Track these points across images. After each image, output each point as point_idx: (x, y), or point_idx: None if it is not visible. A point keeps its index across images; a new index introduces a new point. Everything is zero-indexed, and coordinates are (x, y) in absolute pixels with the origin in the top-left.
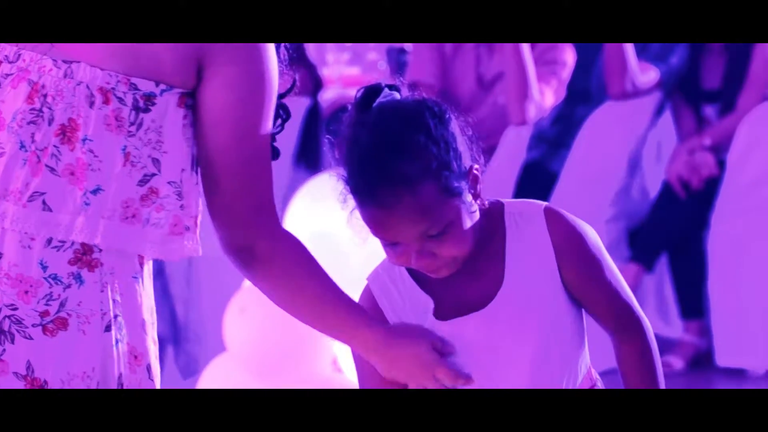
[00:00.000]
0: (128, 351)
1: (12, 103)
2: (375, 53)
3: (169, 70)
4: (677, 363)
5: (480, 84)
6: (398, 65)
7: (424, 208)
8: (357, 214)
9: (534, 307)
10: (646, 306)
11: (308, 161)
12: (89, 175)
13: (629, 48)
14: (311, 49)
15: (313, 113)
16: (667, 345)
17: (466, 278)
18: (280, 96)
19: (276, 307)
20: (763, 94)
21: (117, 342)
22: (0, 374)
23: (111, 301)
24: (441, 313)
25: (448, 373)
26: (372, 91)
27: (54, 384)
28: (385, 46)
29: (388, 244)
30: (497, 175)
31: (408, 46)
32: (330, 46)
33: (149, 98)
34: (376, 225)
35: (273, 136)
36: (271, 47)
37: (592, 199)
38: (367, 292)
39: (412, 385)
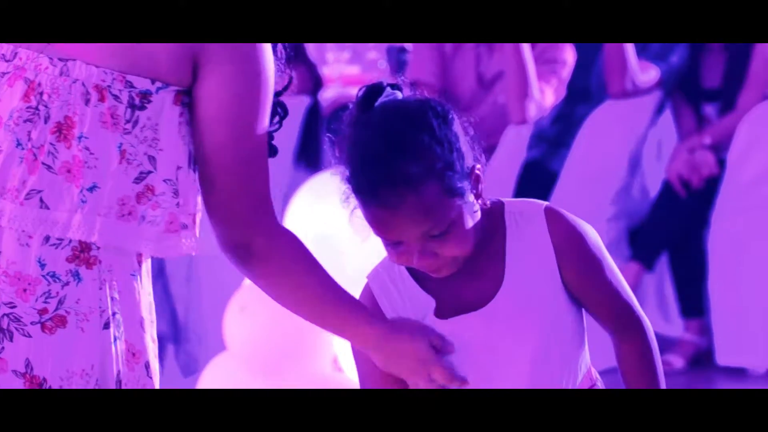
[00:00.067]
0: (126, 349)
1: (8, 102)
2: (375, 52)
3: (164, 68)
4: (678, 362)
5: (480, 83)
6: (398, 64)
7: (428, 209)
8: (358, 213)
9: (534, 306)
10: (646, 305)
11: (308, 160)
12: (86, 172)
13: (629, 47)
14: (311, 47)
15: (313, 112)
16: (667, 344)
17: (466, 277)
18: (278, 94)
19: (276, 306)
20: (763, 93)
21: (115, 339)
22: None
23: (109, 299)
24: (441, 312)
25: (443, 373)
26: (374, 90)
27: (53, 381)
28: (385, 45)
29: (390, 243)
30: (497, 174)
31: (408, 45)
32: (330, 45)
33: (145, 96)
34: (379, 224)
35: (271, 134)
36: (267, 45)
37: (592, 198)
38: (367, 291)
39: (408, 381)
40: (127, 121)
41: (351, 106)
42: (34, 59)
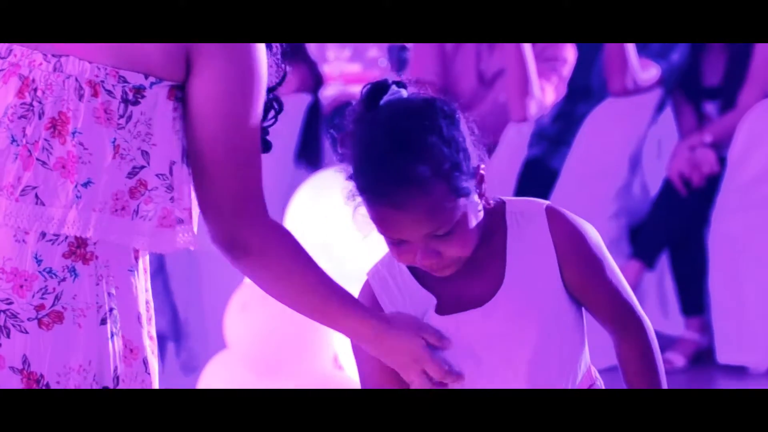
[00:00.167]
0: (123, 345)
1: (3, 98)
2: (376, 50)
3: (157, 63)
4: (678, 360)
5: (481, 81)
6: (399, 62)
7: (435, 209)
8: (361, 210)
9: (534, 305)
10: (647, 303)
11: (309, 158)
12: (80, 167)
13: (630, 45)
14: (312, 46)
15: (314, 110)
16: (668, 342)
17: (466, 275)
18: (272, 89)
19: (277, 304)
20: (763, 91)
21: (112, 335)
22: None
23: (106, 295)
24: (441, 309)
25: (437, 369)
26: (379, 88)
27: (50, 378)
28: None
29: (394, 241)
30: (498, 173)
31: (409, 44)
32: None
33: (138, 91)
34: (385, 223)
35: (266, 129)
36: None
37: (593, 196)
38: (367, 288)
39: (404, 377)
40: (121, 116)
41: (354, 103)
42: (29, 55)
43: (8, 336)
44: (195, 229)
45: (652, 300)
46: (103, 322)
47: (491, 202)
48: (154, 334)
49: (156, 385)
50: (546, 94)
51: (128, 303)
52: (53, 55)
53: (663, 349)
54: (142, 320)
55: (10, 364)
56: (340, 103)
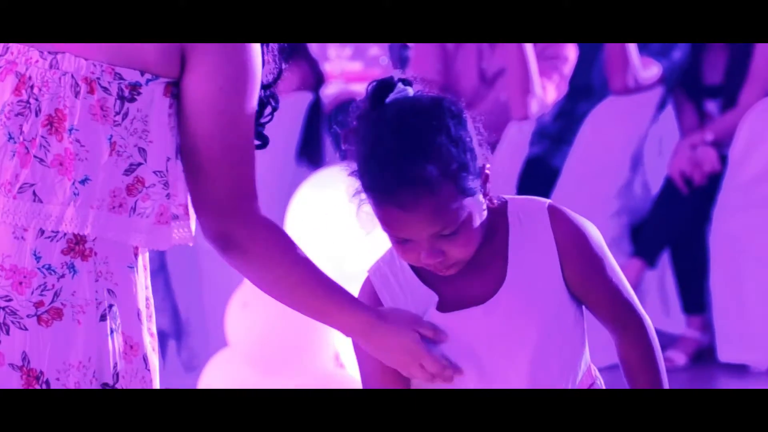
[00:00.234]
0: (123, 341)
1: (0, 96)
2: (377, 49)
3: (153, 60)
4: (679, 358)
5: (482, 79)
6: (400, 61)
7: (442, 209)
8: (365, 207)
9: (536, 303)
10: (648, 301)
11: (310, 156)
12: (77, 165)
13: (631, 44)
14: (313, 44)
15: (315, 108)
16: (669, 340)
17: (468, 273)
18: (267, 86)
19: (278, 302)
20: (764, 89)
21: (112, 332)
22: None
23: (105, 291)
24: (442, 307)
25: (434, 363)
26: (385, 86)
27: (50, 374)
28: None
29: (399, 240)
30: (499, 171)
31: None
32: None
33: (134, 88)
34: (391, 223)
35: (263, 125)
36: None
37: (594, 194)
38: (368, 285)
39: (403, 373)
40: (117, 113)
41: (359, 99)
42: (25, 53)
43: (8, 333)
44: (193, 225)
45: (654, 298)
46: (103, 318)
47: (495, 201)
48: (154, 330)
49: (156, 382)
50: (547, 92)
51: (128, 299)
52: (49, 52)
53: (664, 348)
54: (142, 317)
55: (9, 361)
56: (342, 102)
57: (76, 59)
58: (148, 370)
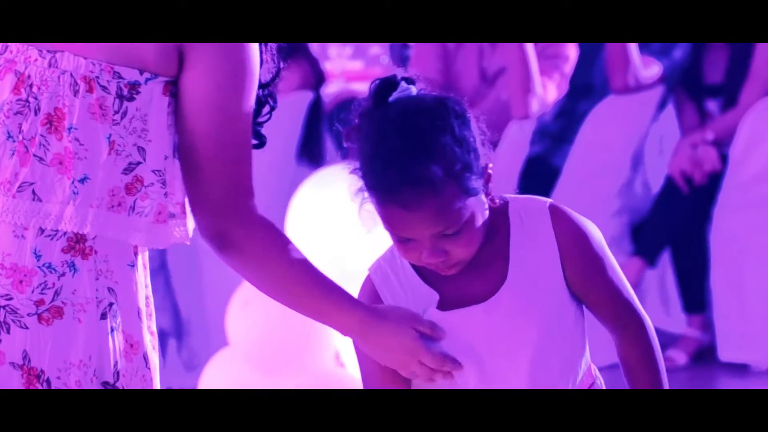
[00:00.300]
0: (124, 339)
1: None
2: (378, 48)
3: (151, 58)
4: (680, 357)
5: (483, 78)
6: (401, 60)
7: (445, 209)
8: (367, 206)
9: (536, 302)
10: (648, 300)
11: (311, 155)
12: (76, 163)
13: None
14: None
15: (316, 107)
16: (669, 339)
17: (469, 272)
18: (265, 85)
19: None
20: (765, 88)
21: (112, 330)
22: None
23: (106, 289)
24: (443, 306)
25: (434, 358)
26: (388, 84)
27: (51, 373)
28: None
29: (401, 239)
30: (500, 170)
31: None
32: None
33: (133, 87)
34: (394, 222)
35: (261, 125)
36: None
37: (594, 193)
38: (369, 284)
39: (403, 373)
40: (116, 112)
41: (362, 98)
42: (24, 51)
43: (8, 332)
44: (189, 224)
45: (654, 297)
46: (103, 316)
47: (496, 200)
48: (154, 329)
49: (157, 381)
50: (548, 91)
51: (128, 298)
52: (48, 51)
53: (665, 347)
54: (142, 315)
55: (10, 360)
56: (342, 101)
57: (75, 58)
58: (149, 368)
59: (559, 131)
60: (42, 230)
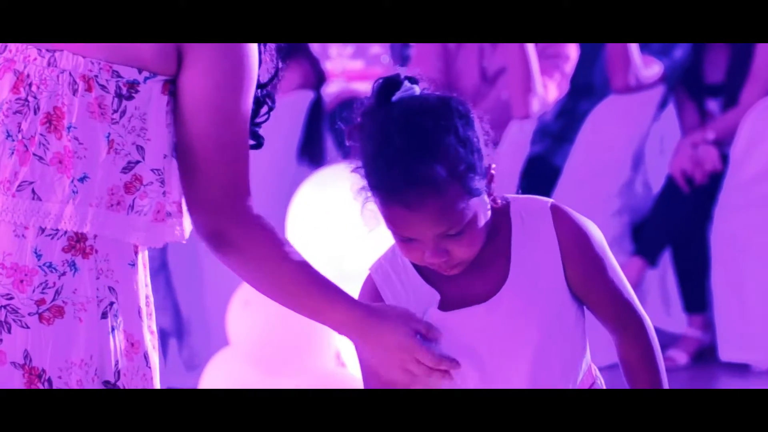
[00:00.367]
0: (125, 338)
1: None
2: (378, 47)
3: (150, 57)
4: (681, 357)
5: (483, 78)
6: (402, 59)
7: (449, 210)
8: (369, 205)
9: (537, 302)
10: (649, 300)
11: (312, 155)
12: (76, 162)
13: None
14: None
15: (317, 107)
16: (670, 339)
17: (470, 272)
18: (263, 85)
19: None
20: (766, 88)
21: (113, 329)
22: None
23: (107, 288)
24: (444, 305)
25: (430, 356)
26: (391, 83)
27: (52, 372)
28: None
29: (403, 239)
30: (501, 170)
31: None
32: None
33: (132, 86)
34: (397, 222)
35: (259, 125)
36: None
37: (595, 193)
38: (369, 283)
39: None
40: (115, 111)
41: (364, 97)
42: (23, 51)
43: (9, 331)
44: (186, 223)
45: (655, 297)
46: (104, 316)
47: (499, 201)
48: (154, 328)
49: (157, 380)
50: (548, 91)
51: (129, 297)
52: (47, 50)
53: (665, 347)
54: (142, 314)
55: (11, 360)
56: (343, 100)
57: (74, 57)
58: (149, 367)
59: (559, 131)
60: (42, 229)
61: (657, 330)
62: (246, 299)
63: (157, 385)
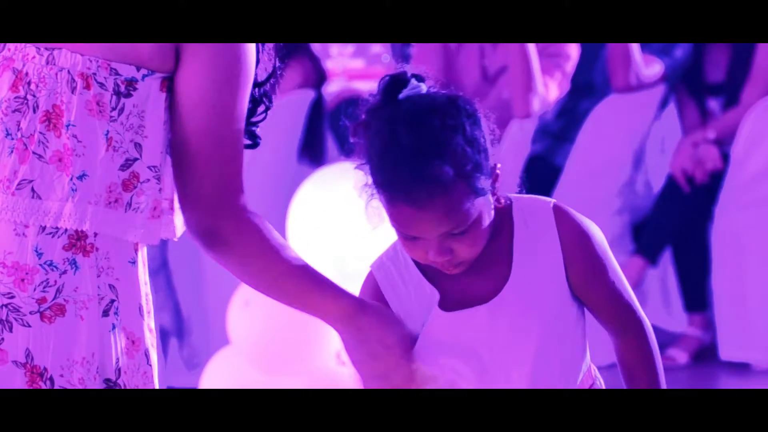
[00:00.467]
0: (125, 336)
1: None
2: (379, 46)
3: (147, 55)
4: (681, 356)
5: (484, 77)
6: (403, 58)
7: (455, 209)
8: (374, 203)
9: (539, 303)
10: (649, 299)
11: (312, 154)
12: (75, 160)
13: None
14: None
15: (317, 106)
16: (670, 339)
17: (472, 272)
18: (260, 84)
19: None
20: (767, 87)
21: (114, 327)
22: None
23: (107, 286)
24: (446, 305)
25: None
26: (398, 81)
27: (53, 371)
28: None
29: (407, 237)
30: (502, 169)
31: None
32: None
33: (131, 83)
34: (402, 221)
35: (255, 124)
36: None
37: (596, 192)
38: (371, 281)
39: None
40: (113, 109)
41: (369, 94)
42: (21, 49)
43: (11, 330)
44: (178, 220)
45: (655, 296)
46: (105, 314)
47: (503, 201)
48: (153, 326)
49: (156, 378)
50: (549, 90)
51: (130, 295)
52: (46, 48)
53: (666, 346)
54: (143, 312)
55: (13, 358)
56: (344, 99)
57: (73, 55)
58: (150, 365)
59: (560, 130)
60: (43, 228)
61: (657, 329)
62: (246, 299)
63: (156, 383)
